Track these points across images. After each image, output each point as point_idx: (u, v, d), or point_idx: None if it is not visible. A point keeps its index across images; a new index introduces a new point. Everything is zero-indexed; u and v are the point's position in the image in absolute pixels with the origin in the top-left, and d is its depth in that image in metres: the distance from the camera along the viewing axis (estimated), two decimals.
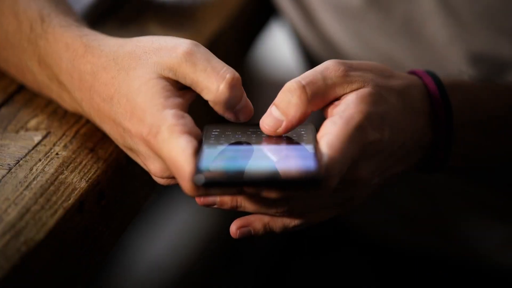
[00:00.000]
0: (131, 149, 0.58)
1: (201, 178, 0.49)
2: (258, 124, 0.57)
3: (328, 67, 0.56)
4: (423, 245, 0.92)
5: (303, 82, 0.55)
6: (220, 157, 0.52)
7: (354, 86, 0.56)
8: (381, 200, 0.93)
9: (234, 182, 0.50)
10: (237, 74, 0.55)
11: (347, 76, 0.56)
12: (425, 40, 0.79)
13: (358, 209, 0.94)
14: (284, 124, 0.55)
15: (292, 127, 0.55)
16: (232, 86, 0.55)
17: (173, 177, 0.57)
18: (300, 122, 0.55)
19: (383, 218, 0.94)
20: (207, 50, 0.57)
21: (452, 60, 0.78)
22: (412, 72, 0.63)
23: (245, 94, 0.56)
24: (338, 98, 0.56)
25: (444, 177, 0.64)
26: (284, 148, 0.54)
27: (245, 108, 0.57)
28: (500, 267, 0.89)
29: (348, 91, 0.56)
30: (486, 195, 0.87)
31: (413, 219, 0.93)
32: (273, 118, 0.55)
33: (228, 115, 0.57)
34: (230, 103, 0.56)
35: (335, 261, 0.95)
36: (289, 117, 0.55)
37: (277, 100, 0.55)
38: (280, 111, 0.55)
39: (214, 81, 0.55)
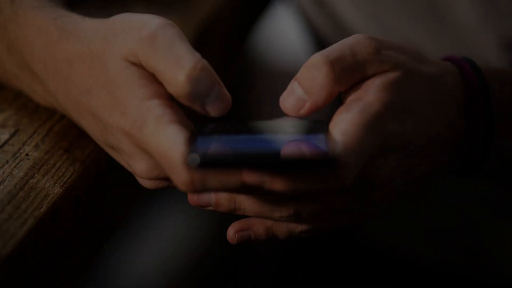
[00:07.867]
0: (113, 148, 0.58)
1: (196, 158, 0.49)
2: (260, 120, 0.57)
3: (358, 41, 0.55)
4: (450, 263, 0.92)
5: (331, 57, 0.54)
6: (217, 141, 0.52)
7: (385, 67, 0.55)
8: (401, 211, 0.93)
9: (234, 162, 0.49)
10: (201, 63, 0.53)
11: (379, 55, 0.55)
12: (452, 23, 0.79)
13: (374, 220, 0.93)
14: (308, 105, 0.55)
15: (317, 109, 0.55)
16: (194, 78, 0.53)
17: (162, 178, 0.57)
18: (327, 103, 0.55)
19: (403, 232, 0.94)
20: (177, 32, 0.55)
21: (483, 46, 0.78)
22: (447, 59, 0.62)
23: (219, 85, 0.55)
24: (366, 79, 0.56)
25: (475, 184, 0.63)
26: (292, 136, 0.54)
27: (218, 102, 0.55)
28: None
29: (378, 71, 0.55)
30: None
31: (438, 233, 0.93)
32: (295, 97, 0.55)
33: (196, 108, 0.55)
34: (195, 97, 0.54)
35: (346, 279, 0.95)
36: (313, 97, 0.54)
37: (300, 76, 0.55)
38: (303, 89, 0.55)
39: (173, 71, 0.53)
